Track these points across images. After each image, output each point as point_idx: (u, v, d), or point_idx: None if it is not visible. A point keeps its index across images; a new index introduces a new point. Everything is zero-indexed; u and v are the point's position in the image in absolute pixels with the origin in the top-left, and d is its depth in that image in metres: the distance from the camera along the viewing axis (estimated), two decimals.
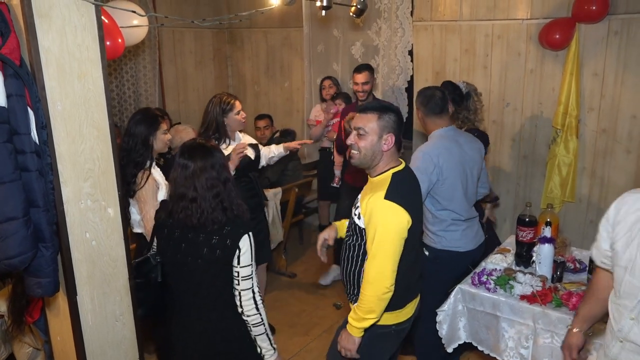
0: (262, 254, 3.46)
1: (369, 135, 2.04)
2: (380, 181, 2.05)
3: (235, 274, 1.99)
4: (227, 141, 3.23)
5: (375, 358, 2.16)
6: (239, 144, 3.12)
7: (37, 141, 1.65)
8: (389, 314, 2.07)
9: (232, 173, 2.95)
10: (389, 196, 1.95)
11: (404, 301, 2.11)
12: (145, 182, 2.60)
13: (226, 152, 3.21)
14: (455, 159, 2.69)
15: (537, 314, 2.29)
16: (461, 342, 2.60)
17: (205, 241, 1.98)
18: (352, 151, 2.10)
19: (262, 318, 2.05)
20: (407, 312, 2.15)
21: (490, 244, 3.22)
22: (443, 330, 2.56)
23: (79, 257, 1.82)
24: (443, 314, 2.55)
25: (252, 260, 2.00)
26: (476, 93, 3.40)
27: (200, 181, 1.97)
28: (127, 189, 2.59)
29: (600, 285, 1.80)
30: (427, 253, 2.76)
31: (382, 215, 1.95)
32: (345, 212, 2.32)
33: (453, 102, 3.01)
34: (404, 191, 2.03)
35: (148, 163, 2.66)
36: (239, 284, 2.00)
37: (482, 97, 4.11)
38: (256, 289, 2.03)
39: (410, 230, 1.98)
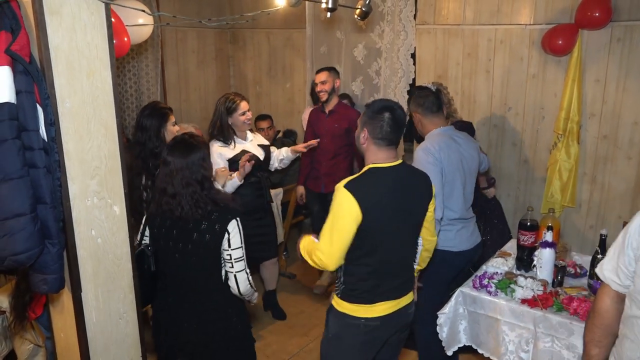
0: (270, 250, 3.73)
1: (357, 129, 2.17)
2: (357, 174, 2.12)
3: (228, 257, 2.12)
4: (233, 141, 3.25)
5: (345, 345, 2.19)
6: (243, 157, 3.13)
7: (46, 138, 1.65)
8: (358, 306, 2.11)
9: (240, 181, 3.06)
10: (348, 185, 1.99)
11: (373, 298, 2.11)
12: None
13: (233, 153, 3.23)
14: (455, 156, 2.71)
15: (538, 318, 2.31)
16: (461, 345, 2.61)
17: (195, 227, 2.10)
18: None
19: (254, 289, 2.25)
20: (378, 310, 2.13)
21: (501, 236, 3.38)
22: (444, 333, 2.57)
23: (84, 254, 1.83)
24: (444, 317, 2.56)
25: (242, 243, 2.13)
26: (444, 87, 3.48)
27: (177, 179, 2.08)
28: (153, 180, 2.62)
29: (611, 312, 1.70)
30: None
31: (336, 200, 2.01)
32: (319, 219, 2.35)
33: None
34: (368, 186, 2.02)
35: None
36: (232, 267, 2.12)
37: (482, 101, 4.16)
38: (248, 270, 2.18)
39: (367, 227, 1.99)
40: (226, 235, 2.09)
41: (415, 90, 2.86)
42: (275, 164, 3.58)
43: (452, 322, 2.58)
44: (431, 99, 2.77)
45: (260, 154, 3.37)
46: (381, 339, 2.21)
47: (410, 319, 2.28)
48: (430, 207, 2.23)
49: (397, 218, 2.09)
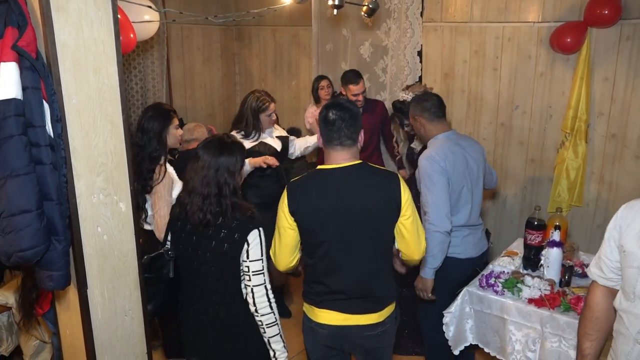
0: None
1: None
2: None
3: (246, 269, 1.98)
4: (257, 135, 3.37)
5: (307, 343, 2.22)
6: (260, 159, 3.21)
7: (52, 134, 1.65)
8: (308, 306, 2.14)
9: (250, 168, 3.14)
10: (291, 182, 2.05)
11: (317, 300, 2.07)
12: (163, 177, 2.61)
13: (251, 144, 3.35)
14: (460, 163, 2.63)
15: (545, 317, 2.29)
16: (467, 344, 2.60)
17: (214, 234, 2.00)
18: None
19: (275, 317, 2.01)
20: (324, 316, 2.06)
21: None
22: (450, 332, 2.56)
23: (90, 251, 1.82)
24: (450, 316, 2.55)
25: (262, 255, 1.98)
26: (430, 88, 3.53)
27: (199, 176, 2.01)
28: (144, 184, 2.60)
29: (600, 305, 1.77)
30: None
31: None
32: None
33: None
34: (302, 183, 2.04)
35: (162, 158, 2.67)
36: (250, 280, 1.98)
37: (489, 99, 4.14)
38: (269, 286, 2.00)
39: (300, 227, 1.99)
40: (246, 245, 1.96)
41: (415, 97, 2.83)
42: (296, 152, 3.68)
43: (459, 321, 2.56)
44: (435, 102, 2.73)
45: (277, 145, 3.46)
46: (333, 352, 2.16)
47: (376, 344, 2.11)
48: (404, 215, 1.98)
49: (337, 222, 1.95)
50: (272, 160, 3.16)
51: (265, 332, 2.01)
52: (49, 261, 1.68)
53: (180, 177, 2.70)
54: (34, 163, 1.60)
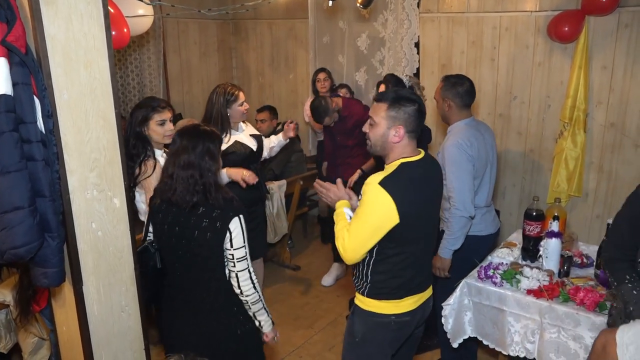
0: (257, 248, 3.31)
1: (378, 126, 2.00)
2: (388, 168, 2.02)
3: (230, 257, 2.05)
4: (228, 133, 3.16)
5: (374, 346, 2.13)
6: (239, 176, 2.98)
7: (43, 130, 1.63)
8: (387, 302, 2.06)
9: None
10: (383, 182, 1.90)
11: (401, 293, 2.07)
12: (153, 171, 2.60)
13: (225, 145, 3.09)
14: (482, 149, 2.74)
15: (544, 308, 2.28)
16: (466, 336, 2.59)
17: (197, 224, 2.03)
18: (366, 140, 2.10)
19: (259, 295, 2.13)
20: (407, 304, 2.09)
21: None
22: (449, 324, 2.55)
23: (84, 248, 1.81)
24: (449, 308, 2.54)
25: (244, 242, 2.06)
26: (419, 87, 3.47)
27: (179, 159, 2.02)
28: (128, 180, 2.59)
29: None
30: None
31: (370, 197, 1.92)
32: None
33: None
34: (404, 183, 1.94)
35: (149, 152, 2.66)
36: (234, 266, 2.06)
37: (487, 90, 4.11)
38: (251, 269, 2.11)
39: (403, 226, 1.91)
40: (228, 234, 2.02)
41: (451, 78, 2.79)
42: (265, 153, 3.43)
43: (457, 314, 2.56)
44: (470, 90, 2.76)
45: (253, 145, 3.26)
46: (406, 335, 2.18)
47: (428, 313, 2.24)
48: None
49: (426, 213, 2.05)
50: (252, 179, 2.95)
51: (250, 308, 2.14)
52: (43, 258, 1.67)
53: None
54: (25, 159, 1.58)
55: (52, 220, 1.66)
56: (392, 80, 3.41)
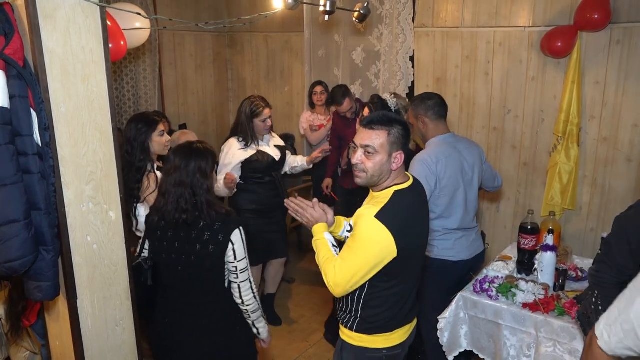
0: (279, 250, 3.71)
1: (379, 154, 1.83)
2: (380, 197, 1.87)
3: (234, 269, 2.10)
4: (255, 142, 3.37)
5: None
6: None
7: (40, 143, 1.63)
8: (378, 336, 1.94)
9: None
10: (379, 215, 1.77)
11: (392, 326, 1.96)
12: (156, 185, 2.61)
13: (248, 155, 3.34)
14: (455, 166, 2.65)
15: (540, 322, 2.28)
16: (462, 350, 2.58)
17: (197, 238, 2.07)
18: (358, 172, 1.89)
19: (258, 304, 2.20)
20: (398, 336, 1.99)
21: None
22: (444, 337, 2.54)
23: (79, 261, 1.80)
24: (444, 322, 2.54)
25: (245, 254, 2.11)
26: (406, 110, 3.18)
27: (171, 177, 2.07)
28: (131, 194, 2.60)
29: None
30: None
31: (366, 232, 1.78)
32: (339, 213, 2.20)
33: None
34: (400, 215, 1.82)
35: (149, 166, 2.67)
36: (237, 277, 2.11)
37: (482, 103, 4.14)
38: (252, 279, 2.17)
39: (399, 258, 1.80)
40: (230, 245, 2.06)
41: (418, 97, 2.80)
42: (286, 168, 3.64)
43: (453, 327, 2.55)
44: (438, 102, 2.73)
45: (277, 155, 3.46)
46: None
47: (412, 339, 2.14)
48: None
49: (422, 243, 1.99)
50: (229, 178, 3.13)
51: (250, 317, 2.21)
52: (37, 272, 1.66)
53: None
54: (21, 172, 1.58)
55: (47, 234, 1.65)
56: (379, 102, 3.24)
